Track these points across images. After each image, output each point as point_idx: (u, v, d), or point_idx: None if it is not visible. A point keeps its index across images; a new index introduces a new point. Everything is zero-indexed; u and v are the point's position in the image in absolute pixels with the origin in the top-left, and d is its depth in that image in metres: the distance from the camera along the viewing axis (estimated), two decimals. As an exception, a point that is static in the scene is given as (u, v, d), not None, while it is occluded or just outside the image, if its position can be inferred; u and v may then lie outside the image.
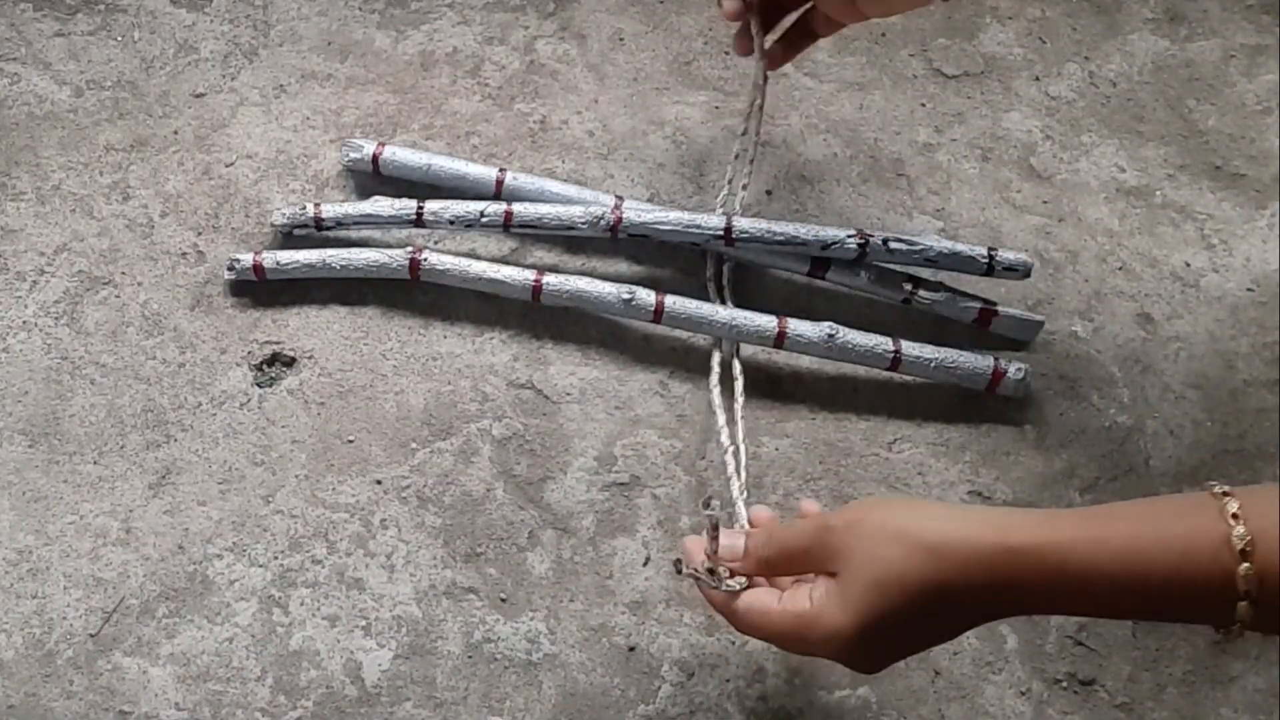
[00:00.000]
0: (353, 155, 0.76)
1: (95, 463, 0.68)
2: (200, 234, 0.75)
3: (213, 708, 0.62)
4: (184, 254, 0.74)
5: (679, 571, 0.54)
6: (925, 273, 0.74)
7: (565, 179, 0.78)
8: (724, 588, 0.51)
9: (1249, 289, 0.78)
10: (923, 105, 0.84)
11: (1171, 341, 0.76)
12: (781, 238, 0.71)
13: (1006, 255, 0.73)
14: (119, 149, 0.78)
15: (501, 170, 0.76)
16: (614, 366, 0.73)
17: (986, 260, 0.72)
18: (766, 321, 0.71)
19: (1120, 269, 0.78)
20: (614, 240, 0.74)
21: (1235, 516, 0.42)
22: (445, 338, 0.73)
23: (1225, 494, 0.43)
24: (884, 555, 0.45)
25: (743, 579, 0.51)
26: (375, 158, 0.76)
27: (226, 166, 0.77)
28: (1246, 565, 0.41)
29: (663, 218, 0.72)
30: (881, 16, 0.64)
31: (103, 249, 0.74)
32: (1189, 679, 0.66)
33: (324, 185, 0.77)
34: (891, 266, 0.73)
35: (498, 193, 0.75)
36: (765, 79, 0.71)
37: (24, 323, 0.71)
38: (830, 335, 0.71)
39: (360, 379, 0.71)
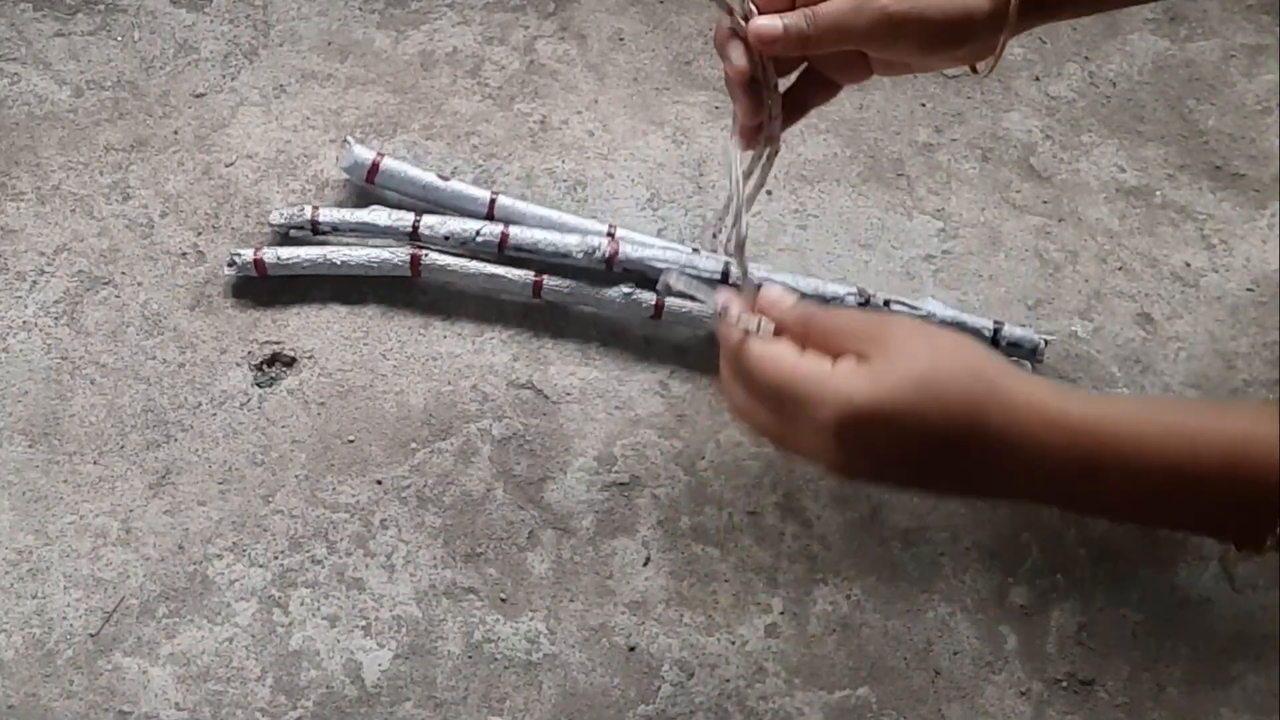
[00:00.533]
0: (351, 177, 0.76)
1: (95, 463, 0.68)
2: (200, 234, 0.75)
3: (213, 708, 0.62)
4: (184, 254, 0.74)
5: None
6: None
7: (564, 178, 0.78)
8: (744, 325, 0.46)
9: (1249, 289, 0.78)
10: (923, 105, 0.84)
11: (1171, 341, 0.76)
12: None
13: (1014, 331, 0.72)
14: (119, 149, 0.78)
15: (494, 194, 0.75)
16: (614, 366, 0.73)
17: (991, 335, 0.72)
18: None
19: (1120, 269, 0.78)
20: (609, 272, 0.73)
21: None
22: (445, 338, 0.73)
23: None
24: (938, 359, 0.42)
25: (770, 325, 0.46)
26: (374, 165, 0.75)
27: (226, 166, 0.77)
28: None
29: (661, 255, 0.72)
30: (896, 75, 0.59)
31: (103, 249, 0.74)
32: (1189, 679, 0.66)
33: (324, 185, 0.77)
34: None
35: (490, 214, 0.75)
36: (776, 154, 0.58)
37: (24, 323, 0.71)
38: (830, 335, 0.71)
39: (360, 379, 0.71)
